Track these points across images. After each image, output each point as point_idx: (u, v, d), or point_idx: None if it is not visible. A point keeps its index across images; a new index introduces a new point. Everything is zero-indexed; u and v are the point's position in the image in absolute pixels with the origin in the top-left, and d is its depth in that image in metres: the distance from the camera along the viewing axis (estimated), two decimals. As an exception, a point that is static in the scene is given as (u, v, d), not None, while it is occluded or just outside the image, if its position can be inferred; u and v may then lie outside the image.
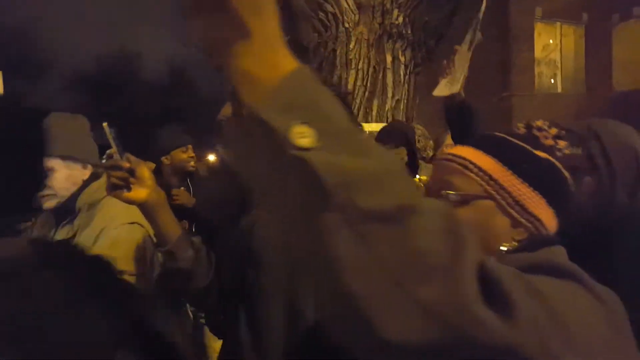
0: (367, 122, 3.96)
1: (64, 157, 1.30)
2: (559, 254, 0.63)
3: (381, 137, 2.27)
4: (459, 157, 0.70)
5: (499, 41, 9.65)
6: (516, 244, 0.65)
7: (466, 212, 0.66)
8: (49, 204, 1.23)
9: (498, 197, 0.66)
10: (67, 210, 1.30)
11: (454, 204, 0.67)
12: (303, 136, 0.36)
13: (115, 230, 1.25)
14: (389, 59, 4.13)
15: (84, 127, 1.39)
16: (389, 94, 4.15)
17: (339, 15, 4.06)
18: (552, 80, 10.86)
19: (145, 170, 1.00)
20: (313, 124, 0.37)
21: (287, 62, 0.38)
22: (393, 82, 4.06)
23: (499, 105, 9.75)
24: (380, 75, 4.15)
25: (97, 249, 1.19)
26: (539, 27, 10.43)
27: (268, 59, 0.38)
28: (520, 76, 10.18)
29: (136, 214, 1.33)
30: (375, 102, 4.21)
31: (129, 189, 0.98)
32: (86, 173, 1.34)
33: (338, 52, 4.10)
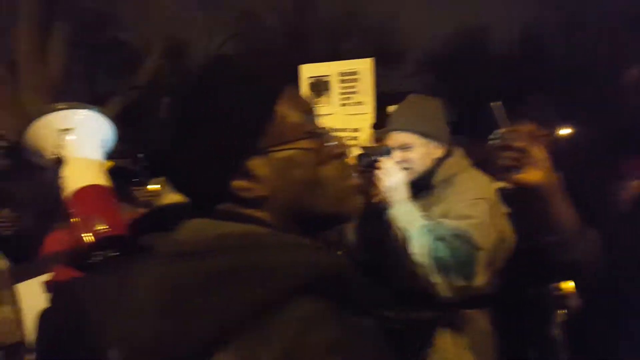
0: None
1: (424, 135, 1.46)
2: None
3: None
4: None
5: None
6: None
7: None
8: (407, 176, 1.43)
9: None
10: (420, 185, 1.46)
11: None
12: None
13: (463, 204, 1.35)
14: None
15: (440, 108, 1.55)
16: None
17: None
18: None
19: (540, 150, 0.99)
20: None
21: None
22: None
23: None
24: None
25: (449, 223, 1.31)
26: None
27: None
28: None
29: (487, 190, 1.41)
30: None
31: (522, 170, 0.98)
32: (440, 151, 1.47)
33: None
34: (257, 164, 0.57)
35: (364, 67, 2.62)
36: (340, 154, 0.63)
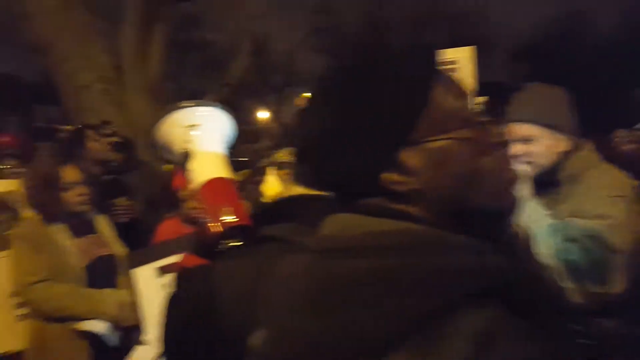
0: None
1: (549, 126, 1.36)
2: None
3: None
4: None
5: None
6: None
7: None
8: (528, 171, 1.33)
9: None
10: (544, 181, 1.36)
11: None
12: None
13: (597, 202, 1.24)
14: None
15: (564, 98, 1.44)
16: None
17: None
18: None
19: None
20: None
21: None
22: None
23: None
24: None
25: (580, 223, 1.21)
26: None
27: None
28: None
29: (623, 187, 1.28)
30: None
31: None
32: (566, 144, 1.36)
33: None
34: (410, 156, 0.53)
35: (463, 55, 2.51)
36: (499, 143, 0.59)
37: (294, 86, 15.33)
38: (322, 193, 0.64)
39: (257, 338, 0.52)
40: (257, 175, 3.09)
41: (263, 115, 16.63)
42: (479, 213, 0.56)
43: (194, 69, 13.82)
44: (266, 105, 16.47)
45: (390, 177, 0.53)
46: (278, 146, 2.98)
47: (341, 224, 0.54)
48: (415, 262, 0.46)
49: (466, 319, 0.43)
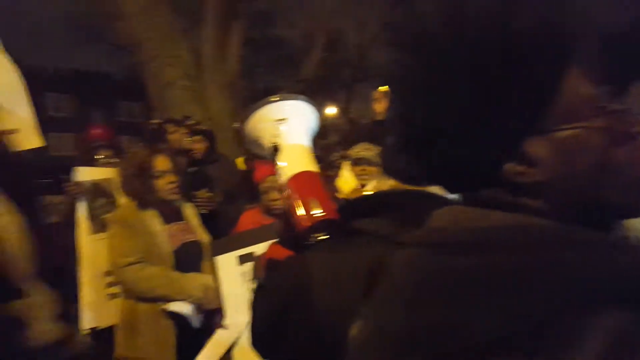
0: None
1: None
2: None
3: None
4: None
5: None
6: None
7: None
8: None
9: None
10: None
11: None
12: None
13: None
14: None
15: None
16: None
17: None
18: None
19: None
20: None
21: None
22: None
23: None
24: None
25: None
26: None
27: None
28: None
29: None
30: None
31: None
32: None
33: None
34: (537, 145, 0.50)
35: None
36: (637, 134, 0.53)
37: (364, 81, 15.25)
38: (417, 187, 0.63)
39: (355, 329, 0.51)
40: (328, 170, 3.10)
41: (330, 110, 16.69)
42: (609, 210, 0.52)
43: (268, 65, 14.13)
44: (335, 100, 16.51)
45: (513, 168, 0.50)
46: (348, 142, 2.97)
47: (453, 217, 0.52)
48: (540, 259, 0.43)
49: (600, 320, 0.40)
